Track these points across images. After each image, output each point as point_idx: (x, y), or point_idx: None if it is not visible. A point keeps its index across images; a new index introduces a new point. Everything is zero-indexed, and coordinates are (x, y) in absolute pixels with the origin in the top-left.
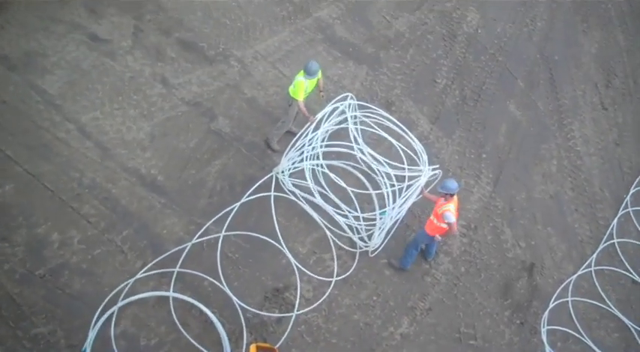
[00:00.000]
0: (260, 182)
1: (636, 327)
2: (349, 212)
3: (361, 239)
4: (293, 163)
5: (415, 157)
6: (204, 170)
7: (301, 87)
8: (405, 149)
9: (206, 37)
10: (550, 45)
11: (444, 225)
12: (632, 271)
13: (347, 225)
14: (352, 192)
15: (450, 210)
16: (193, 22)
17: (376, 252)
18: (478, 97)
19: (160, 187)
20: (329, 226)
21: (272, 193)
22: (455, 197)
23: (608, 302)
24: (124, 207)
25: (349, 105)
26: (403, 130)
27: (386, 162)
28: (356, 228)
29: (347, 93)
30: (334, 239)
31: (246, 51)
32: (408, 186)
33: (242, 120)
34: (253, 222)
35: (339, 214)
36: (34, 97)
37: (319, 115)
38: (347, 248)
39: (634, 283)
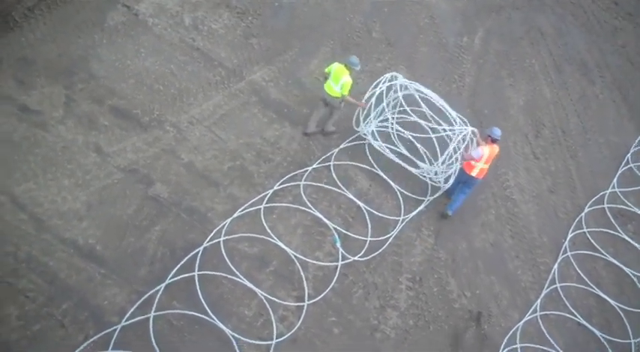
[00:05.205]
0: (186, 259)
1: None
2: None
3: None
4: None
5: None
6: (144, 237)
7: (349, 84)
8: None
9: (140, 104)
10: (479, 99)
11: (473, 162)
12: (576, 314)
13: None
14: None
15: (482, 148)
16: (126, 90)
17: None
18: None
19: (98, 257)
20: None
21: (196, 273)
22: (495, 145)
23: (556, 346)
24: (63, 279)
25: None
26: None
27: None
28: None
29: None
30: (271, 298)
31: (181, 116)
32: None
33: (180, 185)
34: (196, 288)
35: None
36: None
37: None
38: (292, 304)
39: (579, 325)
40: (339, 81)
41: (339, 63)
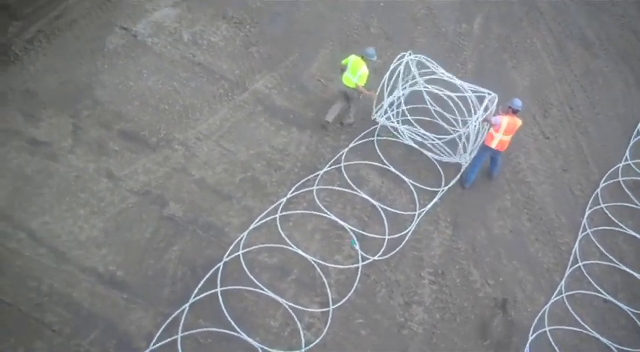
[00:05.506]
0: (207, 276)
1: (617, 346)
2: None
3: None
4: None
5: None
6: (163, 258)
7: (366, 75)
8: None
9: (146, 125)
10: (483, 85)
11: (493, 132)
12: (602, 291)
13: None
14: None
15: (500, 117)
16: (131, 112)
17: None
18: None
19: (120, 283)
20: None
21: (219, 288)
22: (516, 117)
23: (584, 325)
24: (87, 309)
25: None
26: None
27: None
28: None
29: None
30: (296, 307)
31: (188, 133)
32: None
33: (194, 202)
34: (220, 304)
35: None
36: None
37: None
38: (317, 310)
39: (606, 302)
40: (356, 72)
41: (355, 55)
